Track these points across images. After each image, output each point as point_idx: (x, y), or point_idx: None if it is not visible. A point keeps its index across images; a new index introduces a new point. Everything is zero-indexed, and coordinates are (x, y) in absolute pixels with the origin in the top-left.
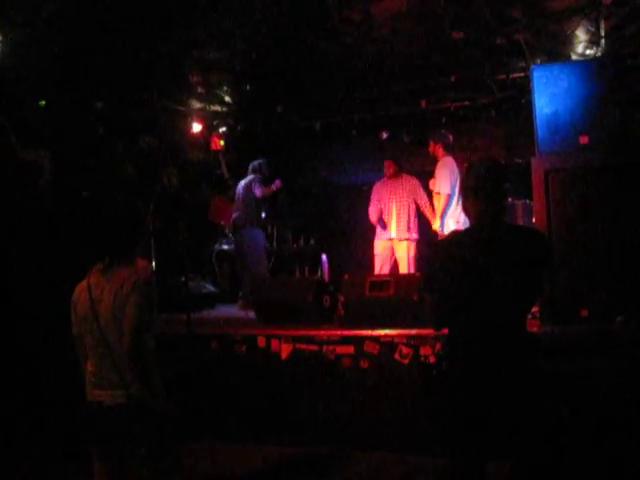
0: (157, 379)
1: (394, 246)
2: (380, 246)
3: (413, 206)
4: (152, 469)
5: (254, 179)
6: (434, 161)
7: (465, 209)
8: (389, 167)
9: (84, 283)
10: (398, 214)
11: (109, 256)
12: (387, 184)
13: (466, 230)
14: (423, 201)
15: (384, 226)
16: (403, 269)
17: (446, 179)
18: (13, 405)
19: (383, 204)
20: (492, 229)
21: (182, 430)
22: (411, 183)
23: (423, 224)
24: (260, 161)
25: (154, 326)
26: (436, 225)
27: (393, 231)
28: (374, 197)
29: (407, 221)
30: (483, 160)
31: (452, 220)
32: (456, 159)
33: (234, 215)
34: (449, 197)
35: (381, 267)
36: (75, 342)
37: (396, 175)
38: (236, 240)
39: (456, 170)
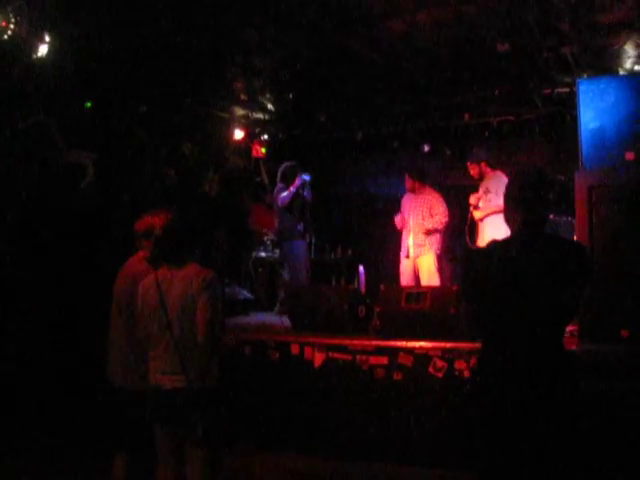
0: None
1: (415, 262)
2: (403, 263)
3: (432, 220)
4: (207, 451)
5: (279, 189)
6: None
7: (507, 218)
8: (407, 181)
9: (151, 278)
10: (415, 229)
11: (172, 258)
12: (408, 198)
13: (505, 240)
14: (433, 221)
15: (404, 241)
16: (424, 284)
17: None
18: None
19: (404, 218)
20: (532, 240)
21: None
22: (430, 197)
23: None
24: (286, 164)
25: (223, 320)
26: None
27: (411, 247)
28: (401, 207)
29: (424, 235)
30: (528, 168)
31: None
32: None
33: (276, 225)
34: None
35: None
36: (136, 331)
37: (415, 189)
38: (280, 250)
39: None
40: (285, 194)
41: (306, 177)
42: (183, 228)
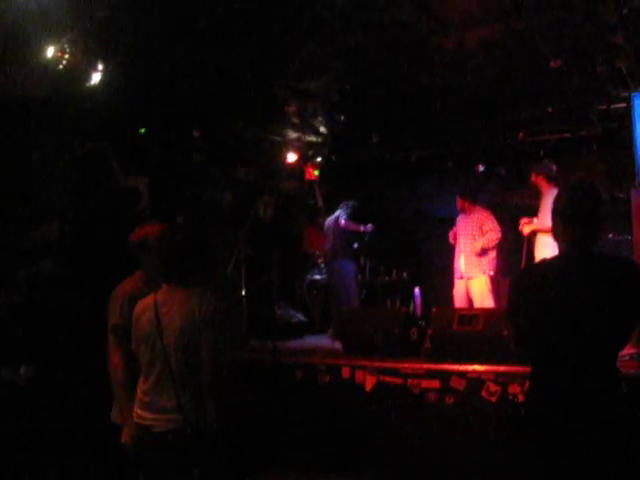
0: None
1: (467, 284)
2: (456, 285)
3: (482, 238)
4: None
5: (342, 212)
6: (536, 196)
7: (555, 235)
8: (457, 202)
9: (149, 299)
10: (466, 250)
11: (172, 278)
12: (460, 219)
13: (553, 258)
14: (484, 239)
15: (456, 263)
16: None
17: None
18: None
19: (457, 239)
20: (582, 258)
21: (248, 458)
22: (480, 215)
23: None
24: (353, 203)
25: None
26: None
27: (462, 268)
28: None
29: (476, 256)
30: (576, 182)
31: None
32: None
33: (326, 247)
34: None
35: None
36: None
37: (465, 209)
38: (328, 271)
39: None
40: (354, 224)
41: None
42: (190, 243)
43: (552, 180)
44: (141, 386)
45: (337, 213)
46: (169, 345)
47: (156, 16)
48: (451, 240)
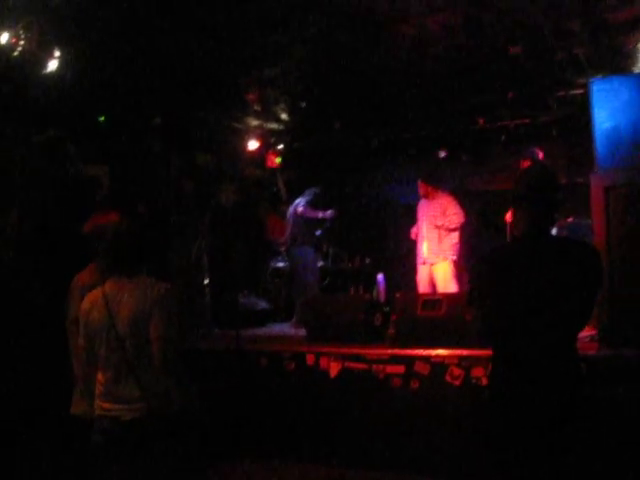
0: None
1: (431, 269)
2: (419, 271)
3: (447, 224)
4: None
5: (302, 198)
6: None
7: (514, 219)
8: (420, 187)
9: (97, 292)
10: (429, 235)
11: (119, 269)
12: (422, 204)
13: (512, 242)
14: (446, 220)
15: (419, 248)
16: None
17: None
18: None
19: (418, 225)
20: (539, 241)
21: (215, 446)
22: (443, 200)
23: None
24: (315, 190)
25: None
26: None
27: (425, 253)
28: (416, 215)
29: (438, 242)
30: (533, 167)
31: None
32: None
33: (286, 234)
34: None
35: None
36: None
37: (429, 194)
38: (289, 258)
39: None
40: (313, 211)
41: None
42: (136, 233)
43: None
44: (100, 379)
45: (298, 200)
46: (124, 335)
47: (113, 1)
48: (412, 236)
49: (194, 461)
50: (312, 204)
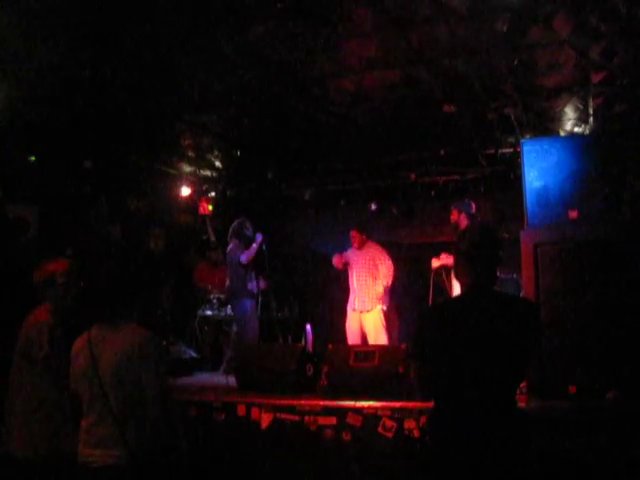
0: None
1: (361, 318)
2: (349, 317)
3: (377, 274)
4: None
5: (236, 246)
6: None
7: (457, 275)
8: (354, 236)
9: (83, 338)
10: (359, 285)
11: (106, 315)
12: (352, 254)
13: (457, 297)
14: (381, 272)
15: (350, 296)
16: (371, 341)
17: None
18: None
19: (349, 274)
20: (483, 298)
21: None
22: (373, 250)
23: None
24: (239, 221)
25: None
26: None
27: (356, 302)
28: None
29: (368, 291)
30: (477, 225)
31: None
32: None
33: (227, 283)
34: None
35: (352, 340)
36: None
37: (360, 244)
38: (231, 307)
39: None
40: (248, 251)
41: (259, 235)
42: (119, 282)
43: (471, 218)
44: (83, 424)
45: (230, 246)
46: (106, 382)
47: (47, 38)
48: (334, 262)
49: None
50: (245, 244)
